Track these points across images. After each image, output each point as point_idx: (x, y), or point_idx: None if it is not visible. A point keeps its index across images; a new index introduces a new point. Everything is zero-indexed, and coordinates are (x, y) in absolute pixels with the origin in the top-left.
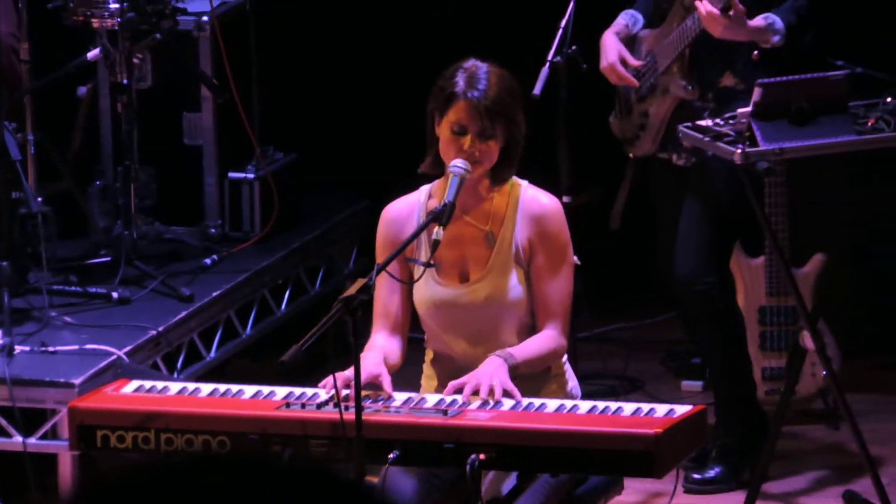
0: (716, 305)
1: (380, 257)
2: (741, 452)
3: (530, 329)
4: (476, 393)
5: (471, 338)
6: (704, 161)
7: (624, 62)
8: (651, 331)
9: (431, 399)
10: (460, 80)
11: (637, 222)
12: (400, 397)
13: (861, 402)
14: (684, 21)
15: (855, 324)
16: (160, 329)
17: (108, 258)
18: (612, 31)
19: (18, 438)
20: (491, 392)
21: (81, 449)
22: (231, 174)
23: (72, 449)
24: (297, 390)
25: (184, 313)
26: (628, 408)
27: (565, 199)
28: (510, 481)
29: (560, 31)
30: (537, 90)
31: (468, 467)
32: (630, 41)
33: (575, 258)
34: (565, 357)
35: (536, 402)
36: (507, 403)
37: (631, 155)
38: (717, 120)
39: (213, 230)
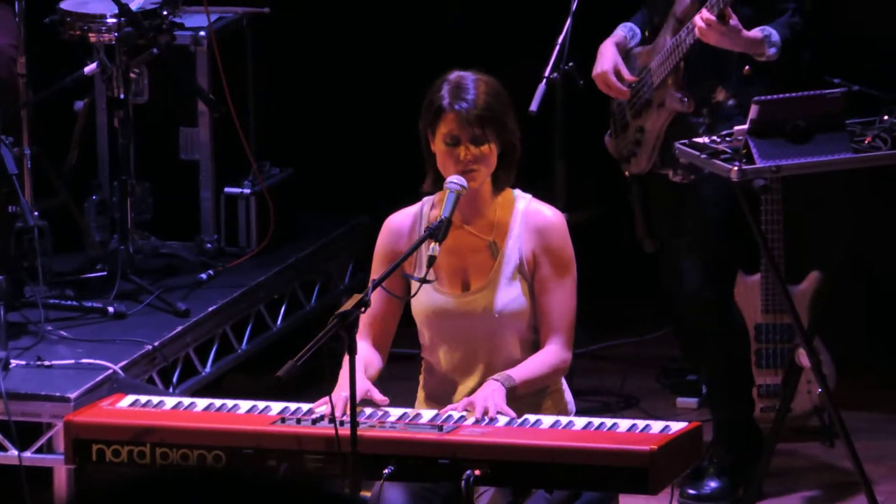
0: (719, 321)
1: (377, 266)
2: (736, 469)
3: (531, 344)
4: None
5: (468, 348)
6: (703, 177)
7: (618, 74)
8: (646, 347)
9: (426, 415)
10: (446, 93)
11: (633, 239)
12: (395, 413)
13: (856, 420)
14: (678, 34)
15: (851, 341)
16: (156, 344)
17: (105, 272)
18: (611, 40)
19: (14, 452)
20: (485, 413)
21: (77, 463)
22: (227, 189)
23: (67, 463)
24: (293, 405)
25: (180, 328)
26: (623, 424)
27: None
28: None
29: (557, 47)
30: (534, 106)
31: (463, 483)
32: (624, 57)
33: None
34: None
35: (531, 417)
36: (502, 420)
37: (627, 173)
38: (714, 137)
39: (209, 245)
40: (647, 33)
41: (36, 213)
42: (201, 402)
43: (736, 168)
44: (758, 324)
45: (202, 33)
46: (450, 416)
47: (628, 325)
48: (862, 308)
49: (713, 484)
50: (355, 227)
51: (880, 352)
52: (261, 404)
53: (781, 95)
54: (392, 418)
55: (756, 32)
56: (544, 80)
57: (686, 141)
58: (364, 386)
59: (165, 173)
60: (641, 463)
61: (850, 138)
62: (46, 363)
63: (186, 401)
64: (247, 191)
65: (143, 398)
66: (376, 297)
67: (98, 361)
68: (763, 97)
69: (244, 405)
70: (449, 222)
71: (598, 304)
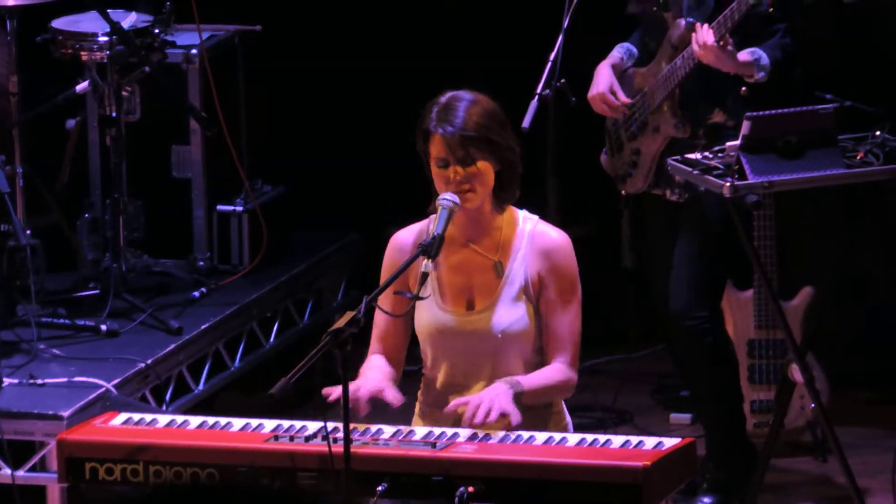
0: (707, 340)
1: (384, 281)
2: (730, 485)
3: (534, 366)
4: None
5: (471, 367)
6: (698, 196)
7: (614, 96)
8: (640, 363)
9: (420, 432)
10: (434, 116)
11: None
12: (388, 430)
13: (849, 435)
14: (673, 60)
15: (843, 357)
16: (149, 361)
17: (97, 291)
18: (607, 62)
19: (7, 471)
20: (487, 414)
21: (70, 481)
22: (220, 207)
23: (60, 481)
24: (286, 423)
25: (172, 346)
26: (617, 440)
27: None
28: None
29: (549, 64)
30: (526, 123)
31: (457, 500)
32: (619, 77)
33: None
34: None
35: (525, 434)
36: (496, 436)
37: (623, 192)
38: (707, 153)
39: (201, 263)
40: (642, 55)
41: (28, 232)
42: (194, 420)
43: (728, 184)
44: (751, 339)
45: (194, 51)
46: (443, 432)
47: (622, 341)
48: (855, 323)
49: (707, 500)
50: (347, 245)
51: (873, 367)
52: (254, 422)
53: (773, 111)
54: (385, 435)
55: (745, 55)
56: (536, 97)
57: (679, 157)
58: (378, 385)
59: (158, 191)
60: (635, 479)
61: (842, 154)
62: (39, 381)
63: (179, 418)
64: (239, 209)
65: (137, 416)
66: (392, 310)
67: (91, 379)
68: (755, 113)
69: (237, 423)
70: (441, 239)
71: (592, 320)
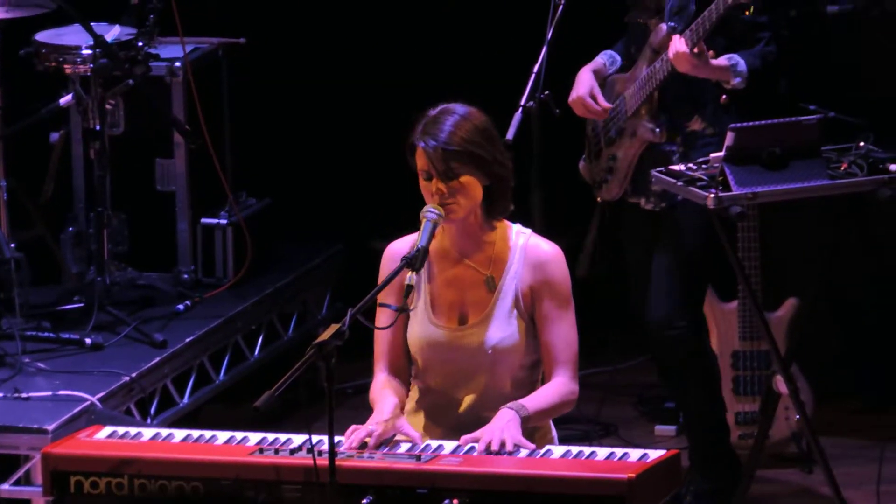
0: (689, 350)
1: (379, 294)
2: (715, 496)
3: (524, 381)
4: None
5: (461, 381)
6: (675, 205)
7: (594, 100)
8: (624, 375)
9: (405, 444)
10: (419, 128)
11: (608, 267)
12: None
13: (834, 446)
14: (653, 64)
15: (828, 368)
16: (133, 375)
17: (82, 304)
18: (588, 67)
19: None
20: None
21: (55, 495)
22: (204, 220)
23: (45, 495)
24: (271, 436)
25: (157, 359)
26: (602, 452)
27: None
28: None
29: (532, 76)
30: (510, 135)
31: None
32: (601, 84)
33: None
34: None
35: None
36: (480, 448)
37: (599, 199)
38: (690, 165)
39: (186, 276)
40: (625, 62)
41: (12, 245)
42: (179, 433)
43: (712, 195)
44: (735, 351)
45: (178, 64)
46: (428, 445)
47: (606, 353)
48: (839, 334)
49: None
50: (332, 258)
51: (858, 378)
52: (239, 435)
53: (757, 122)
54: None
55: (723, 61)
56: (520, 109)
57: (662, 168)
58: (395, 425)
59: (142, 205)
60: (619, 491)
61: (826, 165)
62: (24, 395)
63: (164, 432)
64: (223, 221)
65: (121, 429)
66: (381, 322)
67: (75, 393)
68: (739, 124)
69: (222, 436)
70: (426, 251)
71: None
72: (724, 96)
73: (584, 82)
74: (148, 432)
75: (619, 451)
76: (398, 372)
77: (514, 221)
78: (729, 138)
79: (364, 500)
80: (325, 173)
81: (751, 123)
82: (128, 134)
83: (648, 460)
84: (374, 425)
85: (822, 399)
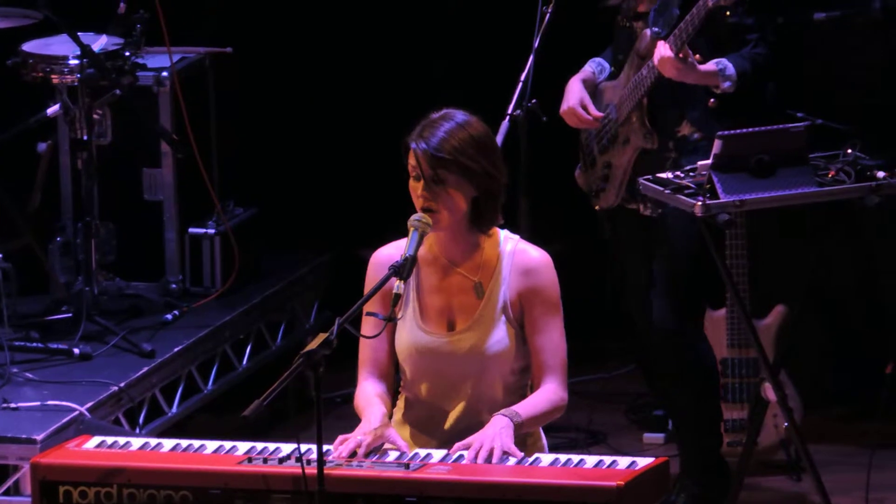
0: (686, 356)
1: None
2: (704, 503)
3: (512, 387)
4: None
5: (450, 388)
6: (672, 211)
7: (585, 109)
8: (613, 383)
9: (393, 453)
10: (417, 129)
11: (600, 274)
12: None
13: (823, 453)
14: (640, 70)
15: (816, 375)
16: (122, 385)
17: (70, 314)
18: (578, 77)
19: None
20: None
21: None
22: (191, 229)
23: None
24: (259, 445)
25: (145, 369)
26: (590, 460)
27: None
28: None
29: (520, 84)
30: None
31: None
32: (591, 92)
33: None
34: None
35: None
36: (468, 456)
37: (597, 207)
38: (678, 172)
39: (173, 285)
40: (613, 69)
41: (0, 256)
42: (168, 443)
43: (700, 203)
44: (724, 358)
45: (165, 74)
46: (416, 453)
47: (595, 361)
48: (828, 341)
49: None
50: (320, 267)
51: (846, 385)
52: (227, 444)
53: (744, 130)
54: (358, 456)
55: (711, 65)
56: (507, 118)
57: (650, 176)
58: (383, 434)
59: (129, 214)
60: (608, 499)
61: (813, 172)
62: (12, 405)
63: (153, 441)
64: (211, 231)
65: (110, 439)
66: (371, 332)
67: (64, 403)
68: (726, 132)
69: (211, 445)
70: (413, 260)
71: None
72: (712, 100)
73: (574, 92)
74: (136, 442)
75: (607, 459)
76: (383, 380)
77: (503, 227)
78: (716, 146)
79: None
80: (312, 182)
81: (738, 131)
82: (115, 144)
83: (637, 468)
84: (362, 435)
85: (811, 406)
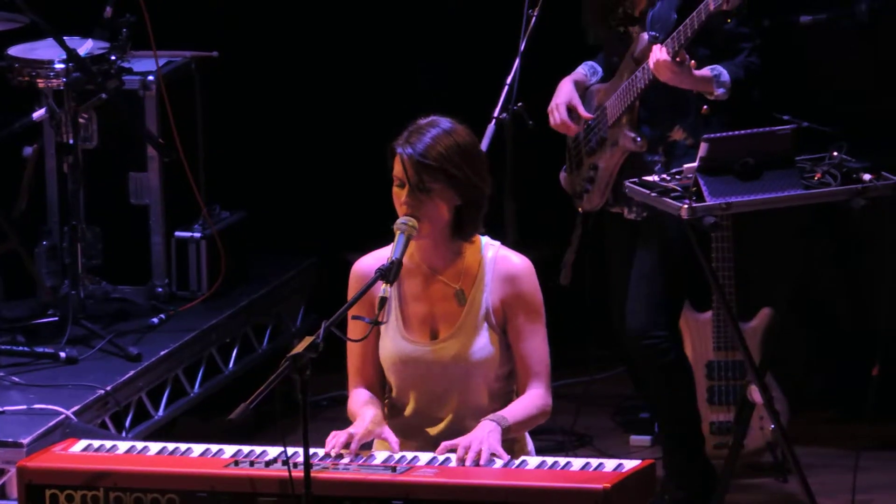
0: (667, 359)
1: (349, 309)
2: None
3: (497, 393)
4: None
5: (436, 396)
6: (656, 215)
7: (574, 111)
8: (599, 386)
9: (380, 456)
10: (403, 135)
11: (585, 277)
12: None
13: (809, 455)
14: (634, 73)
15: (802, 377)
16: (108, 388)
17: (56, 318)
18: (570, 77)
19: None
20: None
21: None
22: (178, 233)
23: None
24: (246, 448)
25: (132, 372)
26: (577, 463)
27: None
28: None
29: (506, 88)
30: (483, 147)
31: None
32: (582, 94)
33: None
34: None
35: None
36: (454, 459)
37: (580, 209)
38: (664, 175)
39: (160, 289)
40: (605, 72)
41: None
42: (154, 446)
43: (686, 206)
44: (710, 361)
45: (150, 78)
46: (403, 456)
47: (581, 363)
48: (813, 343)
49: None
50: (306, 270)
51: (832, 387)
52: (214, 447)
53: (731, 133)
54: (345, 459)
55: (706, 71)
56: (493, 121)
57: (636, 179)
58: (377, 429)
59: (115, 218)
60: (595, 501)
61: (799, 175)
62: None
63: (139, 445)
64: (197, 234)
65: (96, 443)
66: (353, 336)
67: (50, 407)
68: (712, 135)
69: (197, 448)
70: (399, 263)
71: (551, 343)
72: (704, 107)
73: (564, 92)
74: (123, 445)
75: (594, 462)
76: (373, 387)
77: (484, 233)
78: (702, 149)
79: None
80: (298, 186)
81: (724, 134)
82: (101, 148)
83: (624, 470)
84: (354, 429)
85: (797, 408)
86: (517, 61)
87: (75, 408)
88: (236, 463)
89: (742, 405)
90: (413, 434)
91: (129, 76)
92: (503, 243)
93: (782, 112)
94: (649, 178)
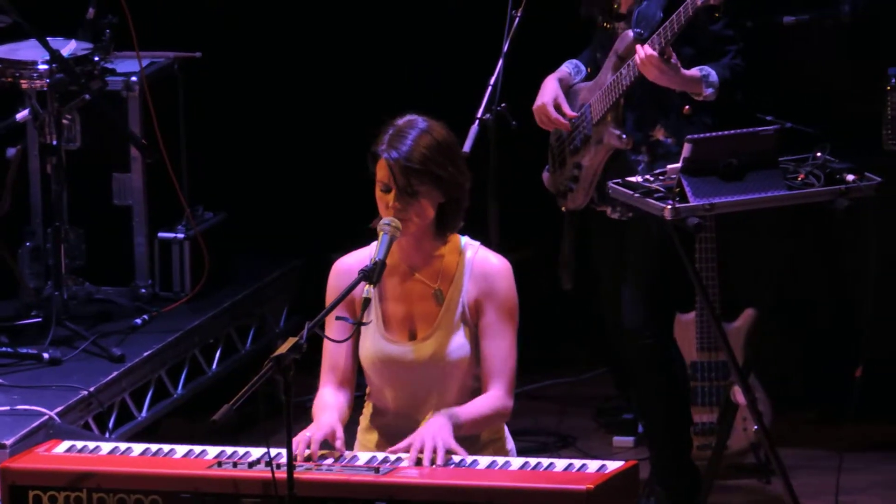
0: (658, 360)
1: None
2: None
3: (474, 392)
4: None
5: (415, 395)
6: (642, 215)
7: (559, 109)
8: (582, 387)
9: (363, 456)
10: (385, 139)
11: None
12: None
13: (792, 457)
14: (619, 70)
15: (786, 378)
16: (91, 389)
17: (39, 319)
18: (554, 76)
19: None
20: (434, 455)
21: None
22: (161, 234)
23: None
24: (229, 449)
25: (115, 373)
26: (560, 464)
27: None
28: None
29: (489, 88)
30: (466, 148)
31: None
32: (566, 92)
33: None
34: None
35: (468, 458)
36: (439, 459)
37: (564, 208)
38: (647, 176)
39: (143, 290)
40: (590, 70)
41: None
42: (138, 447)
43: (669, 206)
44: (693, 361)
45: (134, 78)
46: (386, 457)
47: (564, 364)
48: (797, 344)
49: None
50: (289, 271)
51: (815, 388)
52: (197, 448)
53: (714, 133)
54: (329, 460)
55: (695, 72)
56: (477, 122)
57: (619, 180)
58: (331, 427)
59: (99, 219)
60: (578, 502)
61: (783, 175)
62: None
63: (123, 446)
64: (180, 235)
65: (80, 444)
66: (338, 337)
67: (34, 407)
68: (695, 136)
69: (181, 449)
70: (383, 264)
71: (534, 344)
72: (686, 107)
73: (549, 90)
74: (106, 446)
75: (577, 463)
76: (344, 385)
77: (465, 233)
78: (686, 149)
79: None
80: (281, 187)
81: (707, 134)
82: (84, 148)
83: (607, 471)
84: (311, 431)
85: (780, 409)
86: (500, 62)
87: (59, 409)
88: (220, 464)
89: (725, 406)
90: (393, 432)
91: (113, 77)
92: (486, 244)
93: (766, 113)
94: (632, 179)
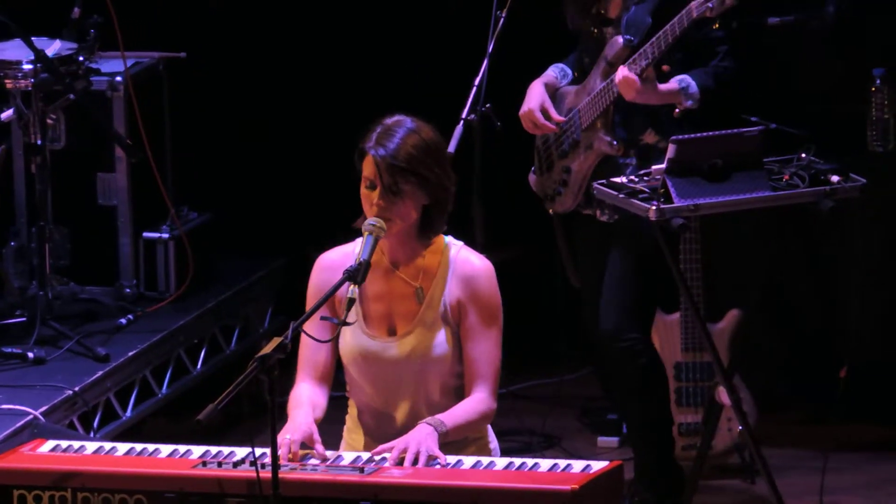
0: (640, 361)
1: (309, 304)
2: None
3: (454, 390)
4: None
5: (393, 392)
6: (629, 216)
7: (546, 113)
8: (567, 387)
9: (348, 456)
10: (373, 136)
11: (553, 279)
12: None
13: (777, 457)
14: (609, 77)
15: (770, 379)
16: (76, 389)
17: (24, 318)
18: (540, 80)
19: None
20: (415, 460)
21: None
22: (146, 234)
23: None
24: (214, 449)
25: (100, 373)
26: (545, 464)
27: None
28: None
29: (474, 88)
30: (451, 148)
31: None
32: (552, 96)
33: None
34: None
35: (453, 458)
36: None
37: (551, 211)
38: (632, 177)
39: (128, 290)
40: (576, 74)
41: None
42: (122, 447)
43: (654, 207)
44: (677, 362)
45: (119, 78)
46: (371, 457)
47: (549, 364)
48: (781, 345)
49: None
50: (274, 271)
51: (800, 389)
52: (182, 448)
53: (699, 134)
54: (313, 460)
55: (673, 84)
56: (461, 122)
57: (604, 181)
58: (308, 429)
59: (83, 219)
60: (563, 503)
61: (768, 176)
62: None
63: (107, 445)
64: (165, 235)
65: (64, 443)
66: (311, 332)
67: (18, 407)
68: (680, 136)
69: (165, 449)
70: (368, 264)
71: (519, 344)
72: (676, 110)
73: (536, 95)
74: (91, 446)
75: (562, 463)
76: (321, 381)
77: (448, 233)
78: (670, 150)
79: None
80: (266, 187)
81: (693, 135)
82: (69, 148)
83: (592, 472)
84: (290, 434)
85: (765, 410)
86: (485, 62)
87: (43, 408)
88: (204, 464)
89: (710, 407)
90: (375, 430)
91: (97, 77)
92: (471, 244)
93: (750, 113)
94: (617, 180)
